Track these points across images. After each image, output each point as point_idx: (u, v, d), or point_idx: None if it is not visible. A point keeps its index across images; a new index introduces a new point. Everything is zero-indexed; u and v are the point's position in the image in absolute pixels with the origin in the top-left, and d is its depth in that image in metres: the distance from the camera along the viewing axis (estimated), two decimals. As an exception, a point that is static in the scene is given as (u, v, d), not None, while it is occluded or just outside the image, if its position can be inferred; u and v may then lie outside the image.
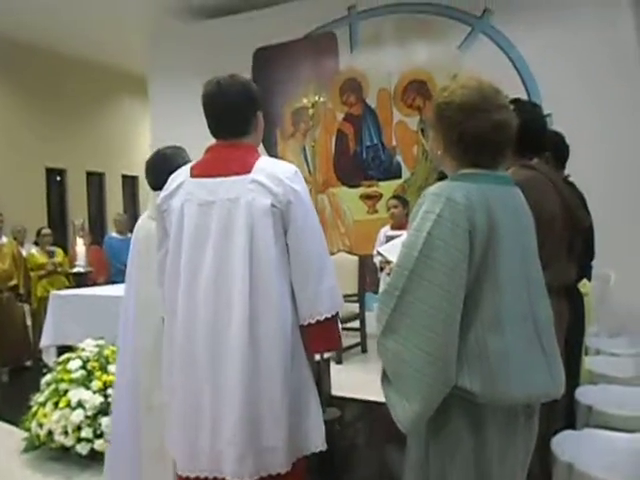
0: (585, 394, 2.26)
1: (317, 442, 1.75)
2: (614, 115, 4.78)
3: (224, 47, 6.96)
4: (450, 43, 5.66)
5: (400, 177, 6.12)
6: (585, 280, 2.46)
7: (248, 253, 1.63)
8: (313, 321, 1.71)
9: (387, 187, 6.10)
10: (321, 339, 1.76)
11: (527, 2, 5.16)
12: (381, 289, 4.74)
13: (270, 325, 1.65)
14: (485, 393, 1.22)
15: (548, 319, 1.35)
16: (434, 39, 5.81)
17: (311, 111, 6.19)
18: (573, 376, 1.95)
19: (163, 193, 1.78)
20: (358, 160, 6.38)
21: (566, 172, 2.46)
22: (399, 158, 6.13)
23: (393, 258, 1.61)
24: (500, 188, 1.33)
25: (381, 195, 6.16)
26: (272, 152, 6.85)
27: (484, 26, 5.49)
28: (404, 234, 4.70)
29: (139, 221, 2.36)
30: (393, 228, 4.54)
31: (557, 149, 2.30)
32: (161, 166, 2.17)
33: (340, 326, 1.87)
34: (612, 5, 4.82)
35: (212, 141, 1.79)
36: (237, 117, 1.73)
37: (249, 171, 1.67)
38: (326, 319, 1.72)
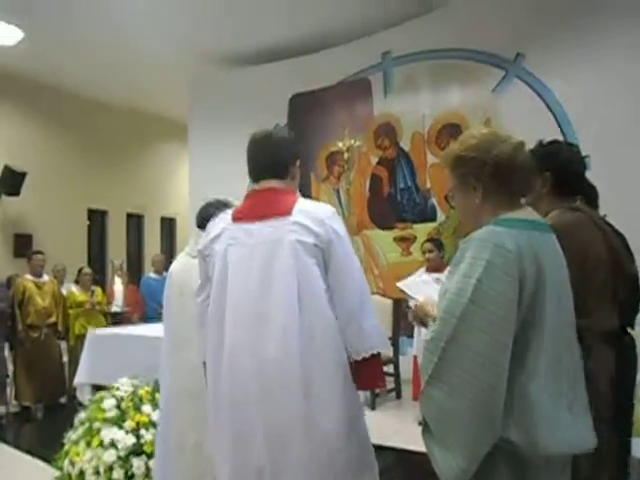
0: (638, 447, 2.14)
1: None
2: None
3: (261, 94, 7.18)
4: (484, 87, 5.70)
5: (435, 220, 6.09)
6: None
7: (295, 287, 1.65)
8: (359, 358, 1.70)
9: (422, 230, 6.07)
10: (367, 376, 1.75)
11: (561, 45, 5.18)
12: (416, 333, 4.68)
13: (328, 360, 1.65)
14: (530, 446, 1.18)
15: (579, 368, 1.32)
16: (468, 83, 5.86)
17: (346, 155, 6.28)
18: (626, 427, 1.84)
19: (205, 238, 1.83)
20: (392, 202, 6.39)
21: (602, 212, 2.40)
22: (434, 200, 6.12)
23: (412, 294, 1.59)
24: (541, 235, 1.32)
25: (415, 238, 6.12)
26: (306, 195, 6.93)
27: (518, 70, 5.52)
28: (441, 276, 4.63)
29: (177, 258, 2.39)
30: (429, 271, 4.49)
31: (585, 190, 2.26)
32: (215, 207, 2.27)
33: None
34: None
35: (246, 184, 1.85)
36: (278, 161, 1.81)
37: (290, 213, 1.72)
38: (372, 356, 1.71)
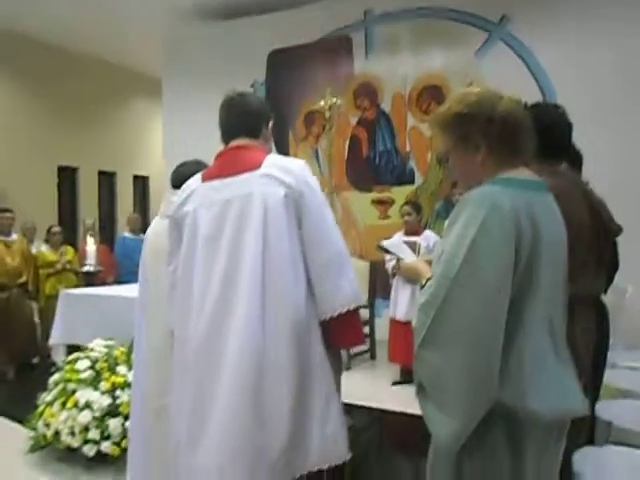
0: (604, 409, 2.21)
1: (341, 452, 1.68)
2: (628, 128, 4.72)
3: (238, 49, 6.96)
4: (467, 49, 5.62)
5: (413, 183, 6.07)
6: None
7: (261, 246, 1.61)
8: (335, 314, 1.66)
9: (399, 193, 6.05)
10: (345, 333, 1.71)
11: (547, 10, 5.12)
12: (393, 295, 4.71)
13: (281, 320, 1.60)
14: (524, 410, 1.17)
15: (563, 330, 1.32)
16: (451, 45, 5.77)
17: (327, 114, 6.16)
18: (595, 390, 1.89)
19: (176, 202, 1.78)
20: (371, 165, 6.34)
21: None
22: (412, 164, 6.09)
23: (398, 252, 1.58)
24: (539, 195, 1.29)
25: (393, 201, 6.11)
26: (284, 154, 6.83)
27: (502, 33, 5.44)
28: (418, 239, 4.61)
29: (152, 223, 2.32)
30: (407, 234, 4.49)
31: (571, 156, 2.25)
32: (190, 167, 2.21)
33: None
34: (634, 19, 4.77)
35: (217, 145, 1.80)
36: (249, 120, 1.79)
37: (259, 167, 1.68)
38: (348, 312, 1.66)
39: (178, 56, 7.59)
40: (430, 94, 5.86)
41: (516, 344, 1.19)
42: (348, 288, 1.66)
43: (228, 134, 1.80)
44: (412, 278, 1.47)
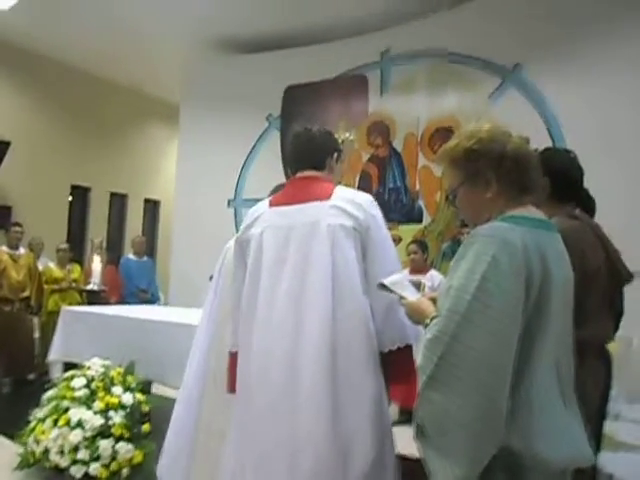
0: (606, 461, 2.15)
1: None
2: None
3: (255, 82, 7.11)
4: (480, 93, 5.70)
5: (421, 222, 6.08)
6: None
7: (330, 274, 1.63)
8: (394, 348, 1.67)
9: (407, 231, 6.06)
10: (400, 367, 1.68)
11: (560, 56, 5.20)
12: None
13: (359, 351, 1.60)
14: (532, 456, 1.12)
15: (571, 375, 1.29)
16: (464, 88, 5.86)
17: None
18: (597, 441, 1.84)
19: (243, 226, 1.84)
20: (380, 201, 6.25)
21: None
22: (421, 203, 6.11)
23: (400, 291, 1.53)
24: (547, 234, 1.27)
25: (400, 238, 6.11)
26: (295, 187, 6.90)
27: (515, 79, 5.53)
28: (422, 279, 4.60)
29: (230, 242, 2.37)
30: (412, 273, 4.47)
31: (584, 201, 2.25)
32: None
33: None
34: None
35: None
36: (315, 152, 1.84)
37: (328, 197, 1.72)
38: (407, 346, 1.68)
39: (196, 85, 7.76)
40: (442, 135, 5.92)
41: (523, 386, 1.15)
42: (408, 323, 1.64)
43: (295, 165, 1.87)
44: (415, 317, 1.42)
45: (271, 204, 1.81)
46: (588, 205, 1.96)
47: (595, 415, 1.71)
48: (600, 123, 4.82)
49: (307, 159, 1.84)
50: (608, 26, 4.96)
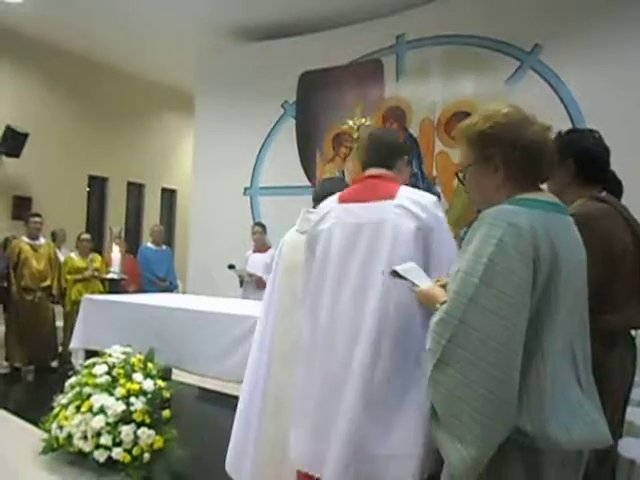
0: (627, 447, 2.13)
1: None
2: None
3: (270, 69, 7.08)
4: (498, 76, 5.61)
5: (438, 208, 6.03)
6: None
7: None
8: None
9: (424, 217, 6.01)
10: None
11: (579, 39, 5.10)
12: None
13: (407, 346, 1.67)
14: (544, 437, 1.12)
15: (587, 357, 1.28)
16: (481, 72, 5.77)
17: (356, 134, 6.19)
18: (619, 426, 1.82)
19: (313, 220, 1.95)
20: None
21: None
22: (438, 189, 6.06)
23: (412, 278, 1.53)
24: (560, 217, 1.26)
25: (417, 225, 6.08)
26: (311, 173, 6.86)
27: (533, 61, 5.43)
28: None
29: (287, 235, 2.45)
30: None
31: (611, 184, 2.21)
32: (335, 183, 2.33)
33: None
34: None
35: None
36: (386, 151, 1.92)
37: (393, 197, 1.78)
38: None
39: (211, 74, 7.76)
40: (459, 120, 5.76)
41: (534, 368, 1.15)
42: None
43: (366, 163, 1.95)
44: (427, 304, 1.43)
45: (340, 200, 1.89)
46: (615, 187, 1.92)
47: (623, 399, 1.69)
48: (622, 105, 4.73)
49: (380, 158, 1.91)
50: (629, 5, 4.85)
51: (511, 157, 1.26)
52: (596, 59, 5.03)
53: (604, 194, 1.77)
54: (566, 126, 5.00)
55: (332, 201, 1.92)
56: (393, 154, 1.93)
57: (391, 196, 1.77)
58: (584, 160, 1.70)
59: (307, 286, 1.92)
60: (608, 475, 1.75)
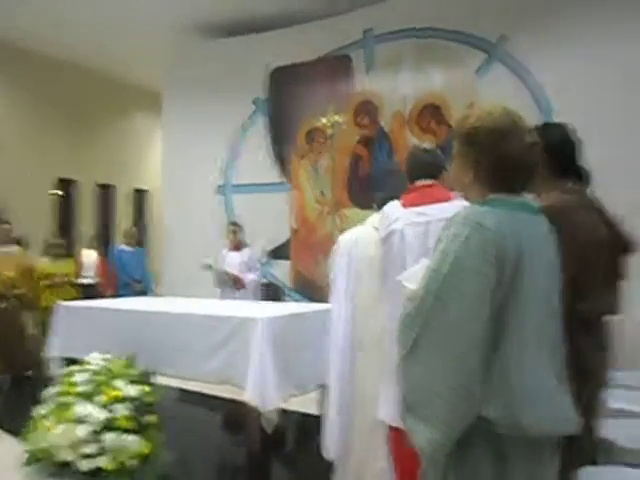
0: (606, 429, 2.19)
1: None
2: (634, 145, 4.75)
3: (238, 66, 7.03)
4: (467, 69, 5.68)
5: (411, 200, 6.08)
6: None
7: None
8: None
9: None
10: None
11: (546, 30, 5.19)
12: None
13: None
14: (507, 423, 1.19)
15: (558, 345, 1.34)
16: (450, 64, 5.84)
17: (330, 131, 6.19)
18: (595, 410, 1.87)
19: (385, 223, 2.17)
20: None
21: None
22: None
23: (409, 284, 1.53)
24: (529, 217, 1.32)
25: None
26: (285, 170, 6.85)
27: (500, 53, 5.51)
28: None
29: (358, 229, 2.69)
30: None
31: (581, 174, 2.25)
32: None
33: None
34: (633, 35, 4.83)
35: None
36: (434, 165, 2.24)
37: (451, 199, 2.07)
38: None
39: (178, 71, 7.66)
40: (430, 113, 5.91)
41: (502, 357, 1.22)
42: None
43: (416, 172, 2.23)
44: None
45: (405, 206, 2.13)
46: (583, 178, 1.97)
47: (603, 384, 1.75)
48: (590, 94, 4.83)
49: (429, 171, 2.22)
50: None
51: (483, 162, 1.32)
52: (564, 49, 5.14)
53: (570, 185, 1.82)
54: (536, 117, 5.11)
55: (397, 207, 2.17)
56: (439, 167, 2.25)
57: (450, 198, 2.08)
58: (554, 153, 1.74)
59: (387, 279, 2.14)
60: (577, 455, 1.80)
